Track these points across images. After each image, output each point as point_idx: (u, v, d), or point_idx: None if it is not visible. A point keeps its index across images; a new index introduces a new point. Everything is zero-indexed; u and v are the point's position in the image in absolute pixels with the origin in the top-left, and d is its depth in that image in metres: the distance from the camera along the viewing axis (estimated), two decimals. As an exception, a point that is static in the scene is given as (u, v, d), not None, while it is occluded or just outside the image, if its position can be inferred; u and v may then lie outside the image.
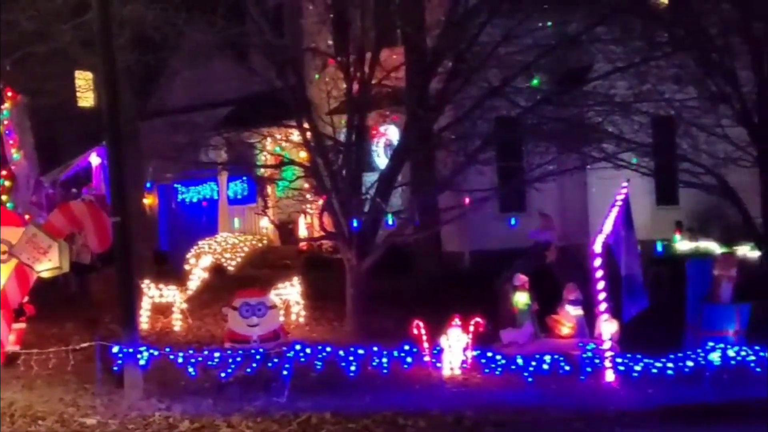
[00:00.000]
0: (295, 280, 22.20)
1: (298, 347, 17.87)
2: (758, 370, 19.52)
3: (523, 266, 21.93)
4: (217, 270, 25.94)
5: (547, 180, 23.64)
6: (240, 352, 18.00)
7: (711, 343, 19.75)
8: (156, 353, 17.70)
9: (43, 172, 25.35)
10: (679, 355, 19.48)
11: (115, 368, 17.48)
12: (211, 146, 26.39)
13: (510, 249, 23.93)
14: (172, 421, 15.83)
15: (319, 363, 17.84)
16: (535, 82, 23.32)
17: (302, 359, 17.71)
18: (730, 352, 19.55)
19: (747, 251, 25.16)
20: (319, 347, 18.13)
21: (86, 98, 29.26)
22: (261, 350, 17.97)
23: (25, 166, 23.48)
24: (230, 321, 18.89)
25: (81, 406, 16.73)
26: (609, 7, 22.60)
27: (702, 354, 19.36)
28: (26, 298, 19.83)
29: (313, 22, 23.77)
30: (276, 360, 17.66)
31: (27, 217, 21.85)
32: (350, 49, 21.70)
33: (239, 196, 30.74)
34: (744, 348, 19.91)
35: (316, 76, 23.58)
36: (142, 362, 17.34)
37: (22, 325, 19.54)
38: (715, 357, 19.28)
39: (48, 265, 20.30)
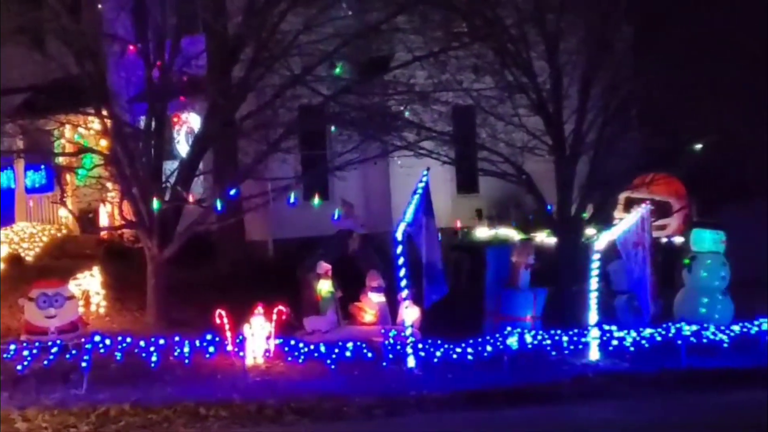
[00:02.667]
0: (95, 269, 21.83)
1: (97, 338, 17.63)
2: (554, 353, 20.06)
3: (326, 254, 21.98)
4: (14, 260, 25.35)
5: (350, 168, 23.76)
6: (37, 344, 17.68)
7: (509, 328, 20.20)
8: (-52, 346, 17.26)
9: None
10: (479, 340, 19.87)
11: None
12: (6, 134, 25.75)
13: (313, 237, 23.94)
14: (-35, 416, 15.46)
15: (120, 354, 17.67)
16: (337, 70, 23.37)
17: (102, 350, 17.49)
18: (528, 337, 20.07)
19: (544, 238, 25.66)
20: (120, 338, 17.95)
21: None
22: (59, 342, 17.69)
23: None
24: (27, 312, 18.52)
25: None
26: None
27: (500, 339, 19.78)
28: None
29: (111, 7, 23.35)
30: (74, 352, 17.41)
31: None
32: (150, 36, 21.41)
33: (37, 185, 30.04)
34: (540, 332, 20.44)
35: (116, 62, 23.17)
36: (-67, 356, 16.87)
37: None
38: (513, 342, 19.73)
39: None
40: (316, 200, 23.70)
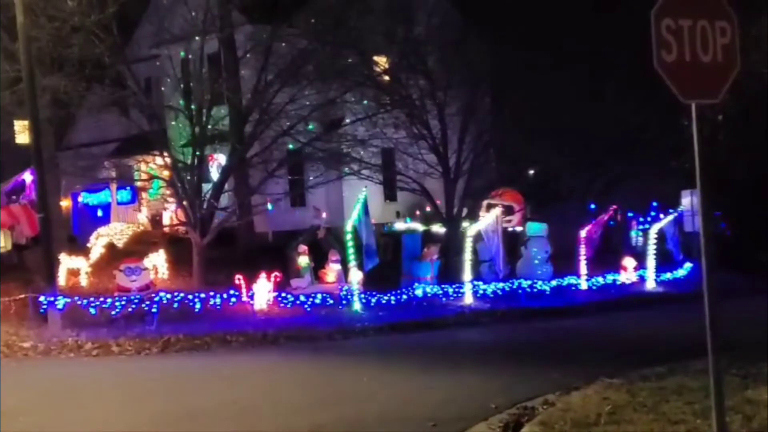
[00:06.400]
0: (161, 251, 21.57)
1: (162, 294, 17.62)
2: (444, 299, 20.20)
3: (304, 240, 21.98)
4: (110, 246, 25.01)
5: (318, 186, 23.77)
6: (124, 298, 17.54)
7: (416, 284, 20.30)
8: (69, 300, 17.08)
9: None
10: (398, 291, 19.95)
11: (42, 311, 16.75)
12: (105, 168, 25.61)
13: (296, 230, 23.88)
14: (80, 343, 15.36)
15: (176, 303, 17.61)
16: (310, 127, 23.36)
17: (165, 301, 17.42)
18: (428, 289, 20.16)
19: (438, 228, 25.71)
20: (176, 293, 17.87)
21: (22, 137, 27.48)
22: (138, 297, 17.58)
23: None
24: (118, 278, 18.37)
25: (20, 335, 16.07)
26: (353, 81, 22.89)
27: (411, 291, 19.89)
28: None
29: (169, 89, 23.20)
30: (148, 302, 17.30)
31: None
32: (193, 106, 21.25)
33: (124, 199, 29.62)
34: (435, 286, 20.56)
35: (173, 122, 22.99)
36: (59, 306, 16.69)
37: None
38: (419, 293, 19.82)
39: (-3, 245, 19.37)
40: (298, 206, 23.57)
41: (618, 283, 23.35)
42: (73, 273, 20.98)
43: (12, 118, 23.98)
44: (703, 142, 6.57)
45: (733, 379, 9.08)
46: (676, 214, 25.61)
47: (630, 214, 27.23)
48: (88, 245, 24.35)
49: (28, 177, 23.31)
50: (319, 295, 19.07)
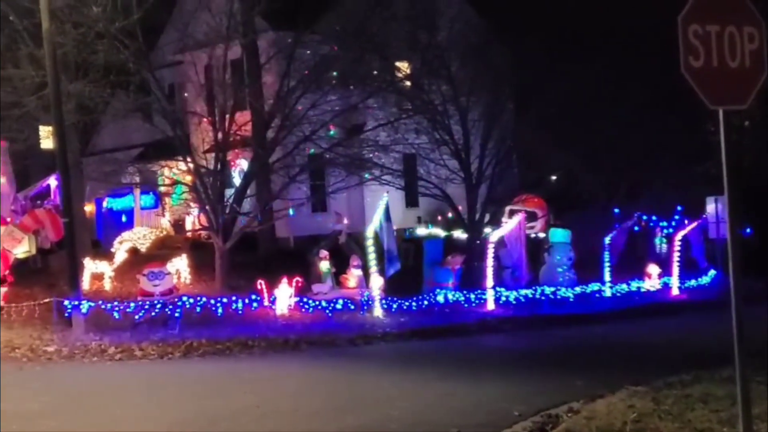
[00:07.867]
0: (183, 256, 21.66)
1: (185, 298, 17.64)
2: (465, 305, 20.08)
3: (325, 245, 21.95)
4: (133, 251, 25.17)
5: (339, 192, 23.76)
6: (148, 302, 17.59)
7: (438, 290, 20.22)
8: (93, 304, 17.13)
9: (19, 190, 24.07)
10: (419, 297, 19.88)
11: (66, 315, 16.83)
12: (129, 173, 25.72)
13: (317, 235, 23.91)
14: (103, 347, 15.37)
15: (199, 308, 17.62)
16: (331, 133, 23.40)
17: (188, 306, 17.44)
18: (449, 295, 20.08)
19: (459, 234, 25.65)
20: (199, 298, 17.90)
21: (47, 143, 27.73)
22: (161, 301, 17.61)
23: (7, 188, 22.16)
24: (141, 283, 18.41)
25: (44, 339, 16.11)
26: (375, 87, 22.90)
27: (433, 297, 19.82)
28: (8, 271, 19.05)
29: (192, 95, 23.31)
30: (171, 307, 17.33)
31: (9, 219, 20.73)
32: (216, 112, 21.33)
33: (148, 204, 29.83)
34: (457, 292, 20.46)
35: (196, 128, 23.05)
36: (83, 310, 16.74)
37: (5, 289, 18.78)
38: (440, 299, 19.75)
39: (22, 249, 19.60)
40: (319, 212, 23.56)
41: (642, 290, 23.16)
42: (97, 277, 21.12)
43: (37, 124, 24.20)
44: (730, 149, 6.51)
45: (759, 386, 8.97)
46: (700, 221, 25.40)
47: (662, 223, 26.95)
48: (112, 250, 24.57)
49: (53, 182, 23.54)
50: (340, 301, 19.02)
